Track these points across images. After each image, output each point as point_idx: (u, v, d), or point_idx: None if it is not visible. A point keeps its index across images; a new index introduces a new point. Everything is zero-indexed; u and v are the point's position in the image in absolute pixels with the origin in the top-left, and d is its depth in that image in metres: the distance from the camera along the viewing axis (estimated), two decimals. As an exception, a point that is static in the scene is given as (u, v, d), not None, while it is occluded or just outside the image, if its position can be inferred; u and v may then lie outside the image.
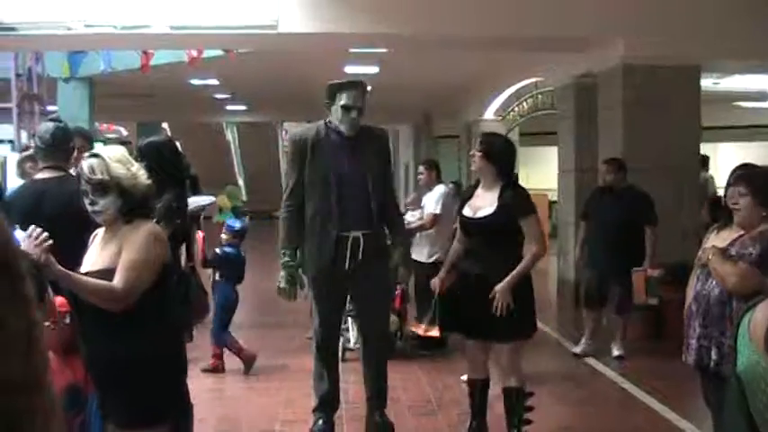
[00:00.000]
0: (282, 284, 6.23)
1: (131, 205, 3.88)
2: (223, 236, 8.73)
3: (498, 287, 5.69)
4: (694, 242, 5.15)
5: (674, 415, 7.13)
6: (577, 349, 9.25)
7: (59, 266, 3.61)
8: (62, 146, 5.23)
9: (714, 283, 4.54)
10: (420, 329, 7.66)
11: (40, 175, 5.23)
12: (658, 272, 8.71)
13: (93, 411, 4.29)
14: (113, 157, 3.90)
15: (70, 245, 3.87)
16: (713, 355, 4.51)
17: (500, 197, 5.84)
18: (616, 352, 9.24)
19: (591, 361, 9.17)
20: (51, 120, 5.53)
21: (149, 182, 3.96)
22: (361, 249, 6.11)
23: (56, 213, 4.76)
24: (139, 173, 3.94)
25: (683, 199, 10.70)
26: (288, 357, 9.28)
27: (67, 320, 4.07)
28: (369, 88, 6.60)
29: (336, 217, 6.10)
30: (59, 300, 4.09)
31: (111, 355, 3.82)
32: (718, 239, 4.80)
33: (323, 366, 6.41)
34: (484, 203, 5.90)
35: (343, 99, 6.15)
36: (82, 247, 4.05)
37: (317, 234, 6.15)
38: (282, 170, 39.25)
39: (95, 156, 3.93)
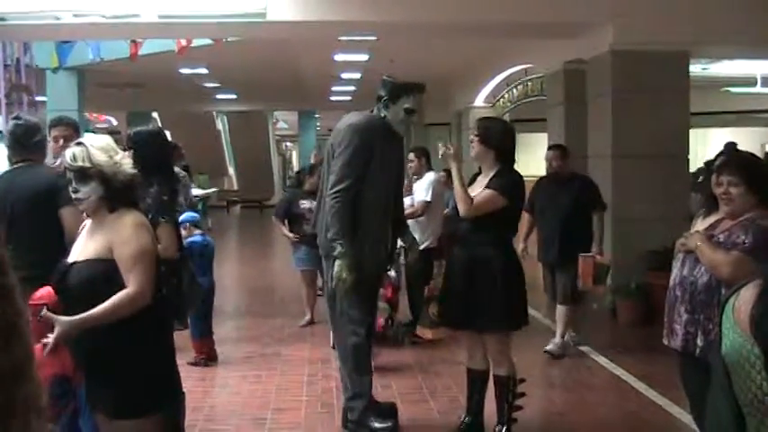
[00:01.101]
0: (345, 275, 5.93)
1: (114, 193, 3.88)
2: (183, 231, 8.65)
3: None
4: (684, 228, 5.14)
5: (664, 400, 7.16)
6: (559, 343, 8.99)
7: (71, 321, 3.75)
8: (24, 141, 5.43)
9: (702, 269, 4.52)
10: (428, 334, 7.51)
11: (12, 167, 5.50)
12: (608, 260, 8.55)
13: (84, 401, 4.30)
14: (96, 146, 3.90)
15: (36, 225, 3.97)
16: (699, 342, 4.52)
17: (489, 181, 5.82)
18: (550, 346, 8.81)
19: (582, 347, 9.20)
20: (14, 118, 5.70)
21: (133, 171, 3.95)
22: (391, 238, 6.33)
23: (23, 196, 5.13)
24: (123, 161, 3.94)
25: (672, 184, 10.72)
26: (279, 345, 9.29)
27: (43, 312, 4.06)
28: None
29: (390, 209, 6.22)
30: (44, 291, 4.08)
31: (96, 345, 3.82)
32: (705, 224, 4.80)
33: (368, 357, 6.35)
34: (478, 187, 5.88)
35: (409, 102, 6.15)
36: (48, 229, 4.13)
37: (377, 224, 6.10)
38: (274, 160, 39.29)
39: (79, 144, 3.95)
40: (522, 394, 6.09)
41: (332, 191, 5.98)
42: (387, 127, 6.15)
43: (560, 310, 8.83)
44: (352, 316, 6.22)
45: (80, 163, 3.85)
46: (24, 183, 5.21)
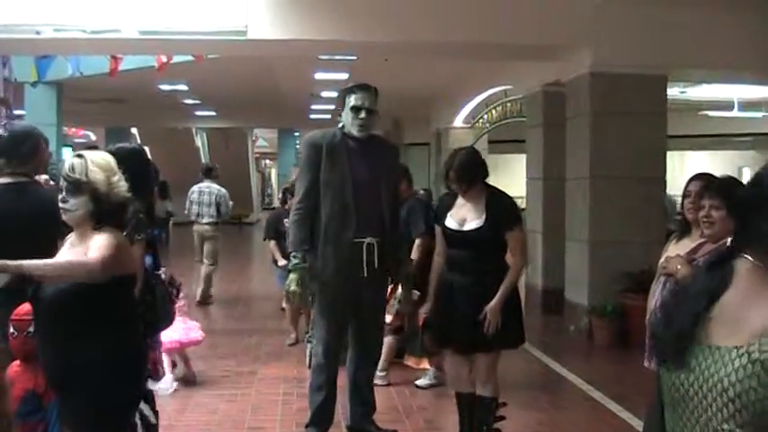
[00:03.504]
0: (293, 287, 5.98)
1: (102, 212, 3.86)
2: None
3: (489, 307, 5.60)
4: (658, 250, 5.19)
5: (638, 421, 7.17)
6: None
7: (21, 264, 3.63)
8: (14, 152, 5.14)
9: (681, 293, 4.54)
10: (411, 362, 7.19)
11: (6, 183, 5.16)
12: (400, 293, 7.64)
13: (54, 419, 4.27)
14: (95, 161, 3.90)
15: (29, 251, 3.88)
16: (679, 365, 4.53)
17: (488, 208, 5.73)
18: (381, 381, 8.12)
19: (557, 367, 9.22)
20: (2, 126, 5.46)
21: (128, 194, 3.93)
22: (375, 256, 6.06)
23: (20, 220, 4.83)
24: (119, 183, 3.91)
25: (649, 206, 10.78)
26: (256, 364, 9.26)
27: (32, 329, 4.05)
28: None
29: (354, 222, 6.03)
30: (26, 308, 4.07)
31: (67, 362, 3.80)
32: (678, 248, 4.82)
33: (324, 378, 6.26)
34: (470, 215, 5.77)
35: (352, 100, 6.10)
36: (47, 248, 4.06)
37: (332, 238, 6.02)
38: (253, 177, 39.24)
39: (79, 156, 3.94)
40: (502, 417, 6.07)
41: (293, 205, 6.26)
42: (344, 136, 6.14)
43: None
44: (317, 334, 6.32)
45: (77, 175, 3.84)
46: (21, 205, 4.92)
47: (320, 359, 6.25)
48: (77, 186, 3.84)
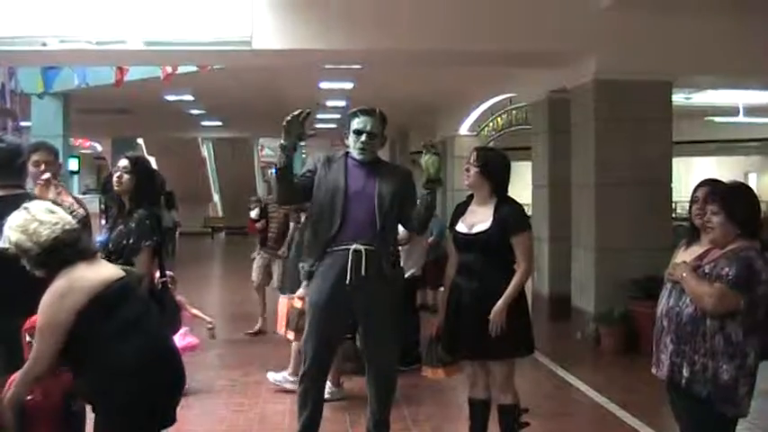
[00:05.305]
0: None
1: (41, 263, 3.88)
2: None
3: (494, 309, 5.63)
4: (666, 257, 5.18)
5: (647, 429, 7.18)
6: None
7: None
8: (8, 164, 5.07)
9: (687, 300, 4.53)
10: (428, 372, 7.13)
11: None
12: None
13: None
14: (12, 225, 3.90)
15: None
16: (685, 373, 4.51)
17: (496, 212, 5.77)
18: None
19: (564, 375, 9.21)
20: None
21: (54, 236, 3.86)
22: (363, 264, 5.82)
23: None
24: (38, 229, 3.86)
25: (655, 213, 10.78)
26: (263, 373, 9.25)
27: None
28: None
29: (336, 229, 5.88)
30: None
31: (93, 379, 3.89)
32: (687, 254, 4.81)
33: (308, 390, 6.08)
34: (479, 219, 5.81)
35: (354, 124, 6.10)
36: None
37: (315, 241, 6.01)
38: (259, 187, 39.30)
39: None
40: (527, 424, 6.05)
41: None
42: (350, 158, 6.11)
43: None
44: (304, 342, 6.14)
45: (6, 245, 3.91)
46: None
47: (303, 370, 6.09)
48: (19, 257, 3.89)
